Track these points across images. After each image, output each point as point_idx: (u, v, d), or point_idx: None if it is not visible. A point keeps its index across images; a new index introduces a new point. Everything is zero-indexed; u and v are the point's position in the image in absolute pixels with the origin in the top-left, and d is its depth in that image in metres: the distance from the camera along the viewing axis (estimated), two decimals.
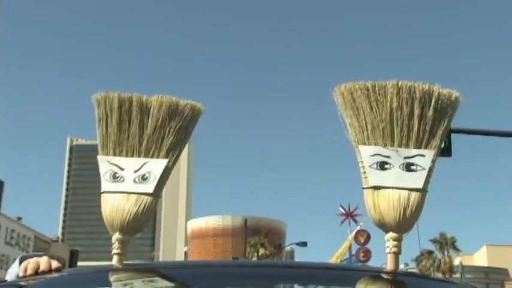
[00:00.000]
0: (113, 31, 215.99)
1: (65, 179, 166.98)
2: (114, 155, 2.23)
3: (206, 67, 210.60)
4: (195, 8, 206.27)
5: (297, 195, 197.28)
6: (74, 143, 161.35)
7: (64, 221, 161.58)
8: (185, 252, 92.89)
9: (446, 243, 40.01)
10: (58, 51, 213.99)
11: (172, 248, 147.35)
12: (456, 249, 40.54)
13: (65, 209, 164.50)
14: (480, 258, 53.64)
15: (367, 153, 2.08)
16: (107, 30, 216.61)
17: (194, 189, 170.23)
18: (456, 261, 40.86)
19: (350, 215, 41.92)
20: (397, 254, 2.02)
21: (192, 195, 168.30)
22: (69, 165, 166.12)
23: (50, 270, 1.83)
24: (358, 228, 38.64)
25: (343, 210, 42.96)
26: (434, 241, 40.05)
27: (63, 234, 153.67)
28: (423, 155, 2.08)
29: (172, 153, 2.26)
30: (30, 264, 1.83)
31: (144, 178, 2.19)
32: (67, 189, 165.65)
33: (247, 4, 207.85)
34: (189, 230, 64.12)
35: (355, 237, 35.29)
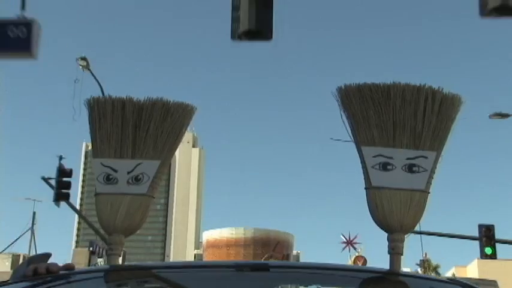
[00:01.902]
0: (125, 31, 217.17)
1: (80, 183, 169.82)
2: (108, 157, 2.22)
3: (219, 73, 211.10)
4: (199, 6, 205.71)
5: (306, 207, 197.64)
6: (90, 147, 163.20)
7: (79, 223, 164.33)
8: (195, 255, 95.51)
9: (429, 268, 47.91)
10: (64, 54, 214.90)
11: (183, 251, 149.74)
12: (437, 274, 48.65)
13: (80, 211, 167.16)
14: (472, 270, 56.63)
15: (369, 154, 2.06)
16: (123, 29, 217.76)
17: (204, 193, 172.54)
18: (449, 273, 45.09)
19: (350, 242, 45.81)
20: (399, 255, 1.98)
21: (202, 201, 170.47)
22: (85, 169, 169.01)
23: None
24: (356, 254, 42.18)
25: (344, 239, 47.35)
26: (419, 265, 45.88)
27: (77, 235, 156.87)
28: (425, 157, 2.05)
29: (165, 154, 2.24)
30: (40, 269, 1.84)
31: (137, 179, 2.17)
32: (82, 193, 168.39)
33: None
34: (204, 240, 67.14)
35: (354, 262, 38.03)
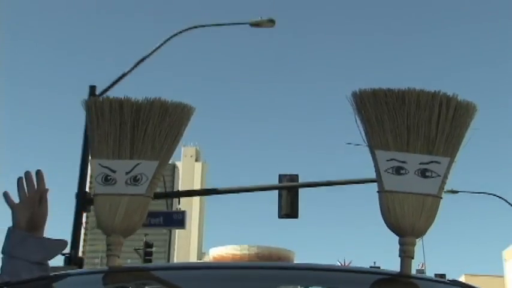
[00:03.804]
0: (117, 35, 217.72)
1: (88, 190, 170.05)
2: (106, 158, 2.17)
3: (222, 86, 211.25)
4: (204, 11, 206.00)
5: (306, 222, 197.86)
6: None
7: (85, 233, 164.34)
8: None
9: None
10: (68, 59, 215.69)
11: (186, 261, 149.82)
12: None
13: (87, 223, 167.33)
14: None
15: (383, 158, 2.03)
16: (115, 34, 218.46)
17: (206, 207, 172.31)
18: None
19: None
20: (409, 258, 1.96)
21: (204, 215, 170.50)
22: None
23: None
24: None
25: (339, 264, 48.59)
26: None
27: (84, 246, 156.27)
28: (438, 162, 2.03)
29: (164, 154, 2.19)
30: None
31: (136, 180, 2.13)
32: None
33: (263, 7, 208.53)
34: (210, 256, 68.14)
35: None
